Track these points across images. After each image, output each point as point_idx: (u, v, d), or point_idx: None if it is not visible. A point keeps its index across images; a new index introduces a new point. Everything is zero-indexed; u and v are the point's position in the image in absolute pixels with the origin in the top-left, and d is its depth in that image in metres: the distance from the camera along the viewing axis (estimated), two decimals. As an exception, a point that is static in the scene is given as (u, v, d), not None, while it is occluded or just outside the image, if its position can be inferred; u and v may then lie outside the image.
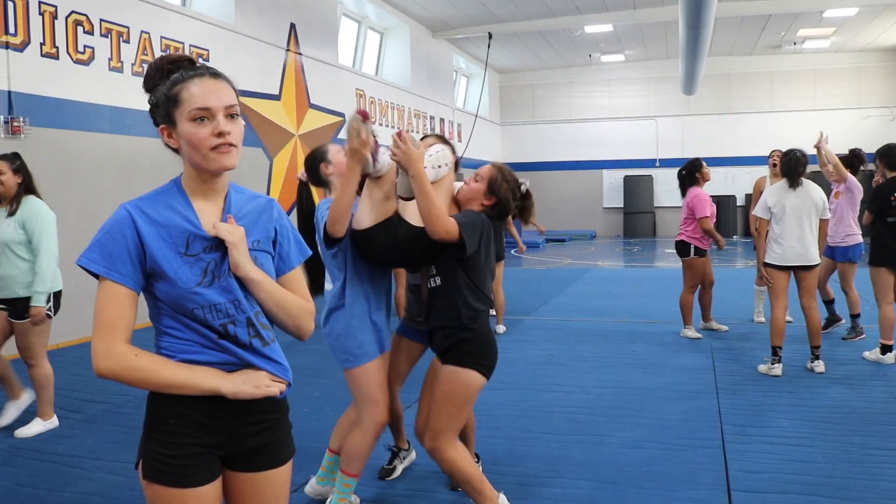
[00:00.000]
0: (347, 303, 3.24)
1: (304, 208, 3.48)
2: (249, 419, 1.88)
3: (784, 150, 6.33)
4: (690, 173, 7.53)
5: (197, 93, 1.76)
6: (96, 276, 1.77)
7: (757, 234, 6.21)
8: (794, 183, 5.95)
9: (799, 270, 5.99)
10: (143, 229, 1.77)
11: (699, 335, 7.52)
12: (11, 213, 4.68)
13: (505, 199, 3.20)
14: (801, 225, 5.90)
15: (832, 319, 7.53)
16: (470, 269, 3.10)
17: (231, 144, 1.79)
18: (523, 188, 3.29)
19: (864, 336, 7.16)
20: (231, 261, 1.82)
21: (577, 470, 4.05)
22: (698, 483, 3.83)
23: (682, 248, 7.50)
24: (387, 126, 15.77)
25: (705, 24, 13.18)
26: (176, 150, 1.85)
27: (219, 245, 1.82)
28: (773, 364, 5.98)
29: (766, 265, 6.06)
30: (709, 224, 7.26)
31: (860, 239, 6.93)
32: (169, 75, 1.81)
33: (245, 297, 1.85)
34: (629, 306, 9.73)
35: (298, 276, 2.02)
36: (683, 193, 7.67)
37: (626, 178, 23.46)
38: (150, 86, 1.84)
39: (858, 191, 7.01)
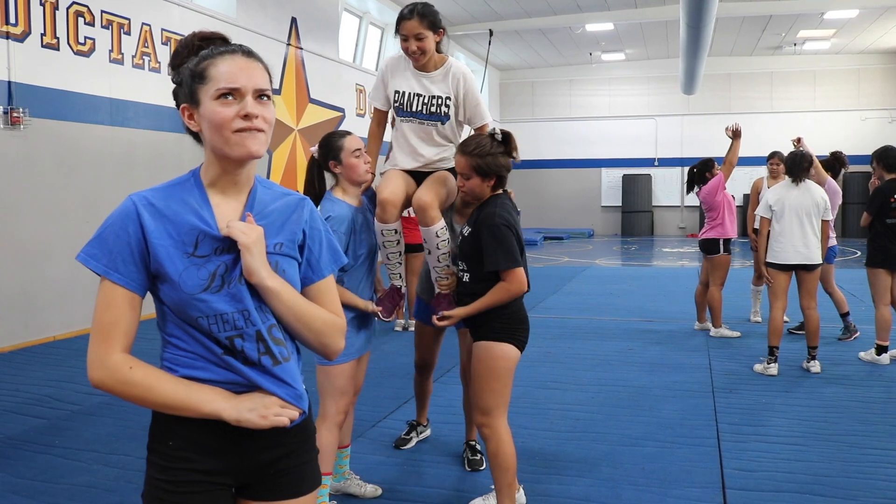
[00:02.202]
0: None
1: (315, 191, 3.36)
2: (264, 442, 1.65)
3: (782, 153, 6.43)
4: (701, 172, 7.56)
5: (226, 70, 1.57)
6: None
7: (758, 233, 6.26)
8: (797, 179, 5.99)
9: (800, 270, 6.01)
10: (149, 225, 1.57)
11: (736, 333, 7.47)
12: None
13: (498, 166, 3.12)
14: (801, 224, 5.93)
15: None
16: None
17: (259, 130, 1.58)
18: (498, 137, 3.16)
19: (858, 334, 7.18)
20: (244, 266, 1.58)
21: (574, 467, 4.06)
22: (694, 481, 3.84)
23: (710, 245, 7.41)
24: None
25: (706, 24, 13.20)
26: (196, 137, 1.66)
27: (232, 246, 1.60)
28: (769, 364, 6.01)
29: (767, 264, 6.08)
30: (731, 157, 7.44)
31: (835, 241, 7.17)
32: (198, 52, 1.64)
33: (258, 307, 1.61)
34: (626, 304, 9.75)
35: (329, 286, 1.76)
36: (689, 189, 7.69)
37: (625, 177, 23.49)
38: (176, 62, 1.67)
39: (837, 194, 7.16)
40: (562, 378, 5.97)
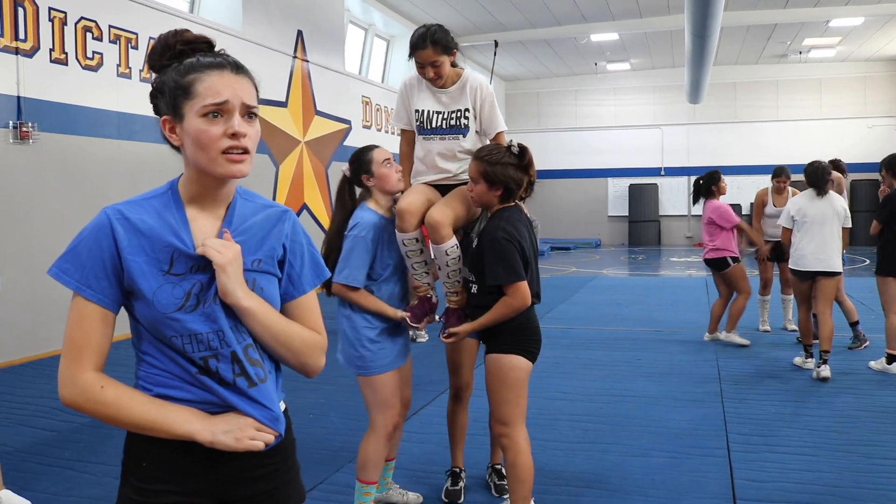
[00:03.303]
0: (368, 313, 3.27)
1: (347, 206, 3.41)
2: (240, 464, 1.59)
3: (788, 170, 6.63)
4: (707, 185, 7.47)
5: (214, 86, 1.50)
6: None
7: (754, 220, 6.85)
8: (821, 192, 6.17)
9: (819, 277, 6.14)
10: (122, 239, 1.51)
11: (745, 341, 7.43)
12: None
13: (507, 177, 3.12)
14: (822, 232, 6.09)
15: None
16: None
17: (245, 150, 1.52)
18: (514, 150, 3.16)
19: (868, 343, 7.14)
20: (219, 286, 1.52)
21: (583, 478, 4.05)
22: (704, 492, 3.82)
23: (718, 263, 7.38)
24: (393, 133, 15.79)
25: (711, 33, 13.21)
26: (176, 148, 1.58)
27: (207, 265, 1.54)
28: (806, 359, 6.42)
29: (791, 271, 6.35)
30: (745, 225, 7.37)
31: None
32: (181, 57, 1.57)
33: (233, 327, 1.56)
34: (634, 314, 9.72)
35: (310, 302, 1.70)
36: (695, 201, 7.65)
37: (632, 187, 23.47)
38: (155, 64, 1.60)
39: None
40: (570, 389, 5.95)
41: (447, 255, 3.33)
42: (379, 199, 3.36)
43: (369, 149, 3.39)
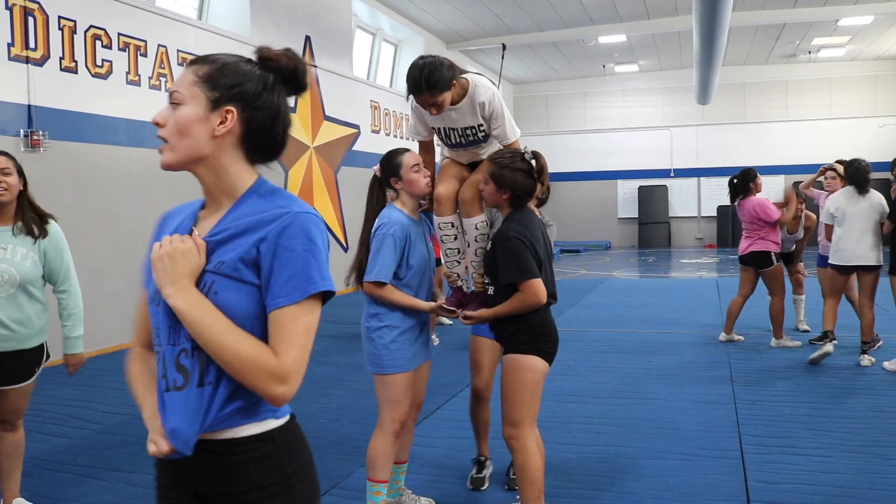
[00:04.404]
0: (393, 314, 3.32)
1: (375, 205, 3.51)
2: (213, 489, 1.56)
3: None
4: (744, 183, 7.41)
5: None
6: None
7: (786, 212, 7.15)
8: (862, 190, 6.48)
9: (860, 271, 6.51)
10: (154, 237, 1.63)
11: (797, 343, 7.38)
12: (30, 236, 3.50)
13: (514, 182, 3.15)
14: (861, 228, 6.40)
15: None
16: None
17: (164, 139, 1.52)
18: (527, 157, 3.20)
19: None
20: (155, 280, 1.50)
21: (595, 481, 4.03)
22: (718, 494, 3.80)
23: (762, 258, 7.26)
24: (401, 138, 15.81)
25: (719, 34, 13.18)
26: None
27: None
28: (825, 343, 6.55)
29: (830, 265, 6.66)
30: (788, 217, 7.26)
31: None
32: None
33: (170, 327, 1.51)
34: (645, 316, 9.70)
35: (282, 319, 1.46)
36: (732, 201, 7.59)
37: (641, 189, 23.41)
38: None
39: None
40: (582, 391, 5.93)
41: (476, 229, 3.45)
42: (406, 201, 3.44)
43: (399, 152, 3.44)
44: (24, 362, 3.51)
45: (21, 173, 3.50)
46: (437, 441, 4.71)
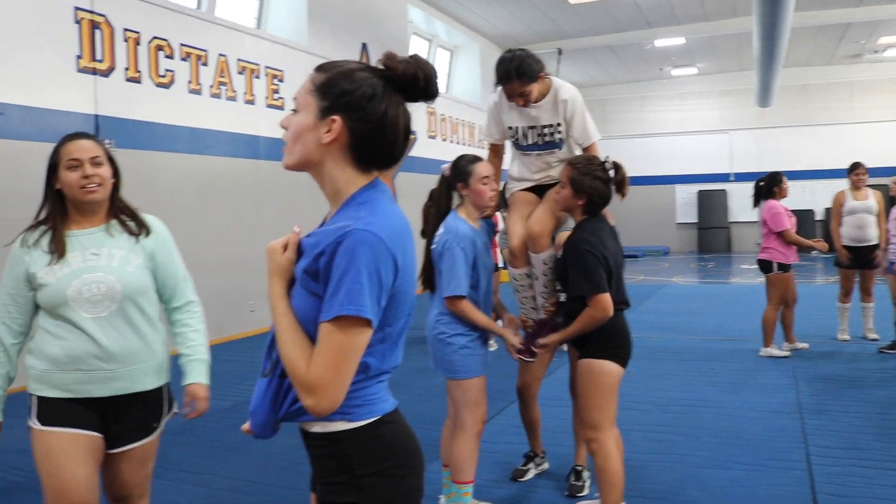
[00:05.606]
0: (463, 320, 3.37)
1: (441, 207, 3.54)
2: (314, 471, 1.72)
3: (864, 164, 6.97)
4: (769, 187, 7.27)
5: None
6: None
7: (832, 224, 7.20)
8: None
9: None
10: None
11: (785, 353, 7.23)
12: (132, 235, 2.70)
13: (593, 189, 3.19)
14: None
15: None
16: None
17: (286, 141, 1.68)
18: (608, 165, 3.25)
19: None
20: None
21: (658, 490, 3.96)
22: (785, 506, 3.70)
23: (764, 264, 7.20)
24: (457, 143, 15.83)
25: (780, 35, 12.88)
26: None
27: None
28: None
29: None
30: (793, 235, 7.02)
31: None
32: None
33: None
34: (706, 323, 9.51)
35: (322, 334, 1.50)
36: (756, 204, 7.45)
37: (700, 193, 23.03)
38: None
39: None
40: (643, 399, 5.84)
41: (544, 263, 3.50)
42: (470, 211, 3.45)
43: (473, 160, 3.47)
44: (140, 411, 2.62)
45: (113, 161, 2.73)
46: (495, 446, 4.67)
